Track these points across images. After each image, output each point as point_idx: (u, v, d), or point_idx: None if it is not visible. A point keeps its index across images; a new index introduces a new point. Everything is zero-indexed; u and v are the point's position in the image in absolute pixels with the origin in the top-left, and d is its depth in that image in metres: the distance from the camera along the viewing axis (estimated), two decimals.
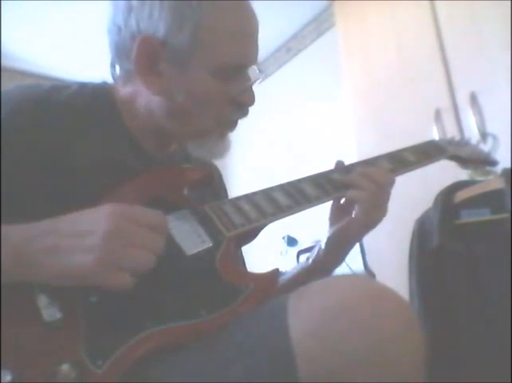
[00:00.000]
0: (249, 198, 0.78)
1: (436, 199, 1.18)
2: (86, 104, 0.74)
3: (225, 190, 0.98)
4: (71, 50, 2.74)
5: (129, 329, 0.56)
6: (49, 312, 0.55)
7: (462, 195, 1.15)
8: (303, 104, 2.75)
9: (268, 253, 2.46)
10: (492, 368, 0.99)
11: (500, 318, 1.01)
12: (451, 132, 1.58)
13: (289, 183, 0.83)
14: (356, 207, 0.84)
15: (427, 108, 1.76)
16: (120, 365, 0.54)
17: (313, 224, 1.54)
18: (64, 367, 0.51)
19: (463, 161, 1.08)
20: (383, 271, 1.81)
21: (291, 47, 2.89)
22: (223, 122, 0.77)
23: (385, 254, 1.83)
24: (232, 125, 0.79)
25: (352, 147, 2.07)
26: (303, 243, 2.47)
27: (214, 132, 0.76)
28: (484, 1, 1.64)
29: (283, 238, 2.57)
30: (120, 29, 0.72)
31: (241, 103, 0.76)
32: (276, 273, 0.68)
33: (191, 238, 0.69)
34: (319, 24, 2.69)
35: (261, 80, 0.78)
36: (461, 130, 1.67)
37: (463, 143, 1.13)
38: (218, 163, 0.93)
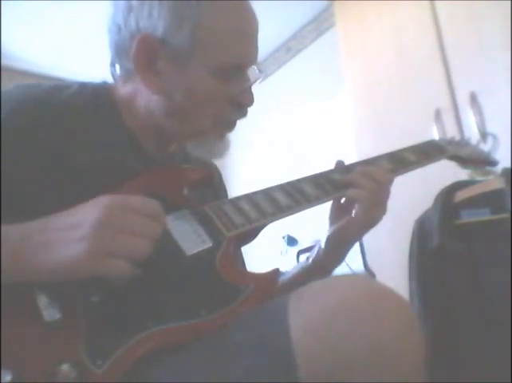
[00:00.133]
0: (249, 198, 0.78)
1: (436, 199, 1.18)
2: (86, 104, 0.74)
3: (225, 190, 0.98)
4: (71, 50, 2.74)
5: (129, 329, 0.56)
6: (49, 312, 0.55)
7: (462, 195, 1.15)
8: (303, 104, 2.75)
9: (268, 253, 2.46)
10: (492, 368, 0.99)
11: (500, 318, 1.01)
12: (451, 132, 1.58)
13: (289, 183, 0.83)
14: (356, 206, 0.85)
15: (427, 108, 1.76)
16: (120, 365, 0.54)
17: (313, 224, 1.54)
18: (64, 367, 0.51)
19: (463, 161, 1.08)
20: (383, 271, 1.81)
21: (291, 47, 2.89)
22: (222, 122, 0.77)
23: (385, 254, 1.83)
24: (231, 125, 0.79)
25: (352, 147, 2.07)
26: (303, 243, 2.47)
27: (212, 131, 0.76)
28: (484, 1, 1.64)
29: (283, 238, 2.58)
30: (119, 28, 0.72)
31: (240, 103, 0.76)
32: (276, 273, 0.68)
33: (191, 239, 0.69)
34: (319, 24, 2.69)
35: (261, 80, 0.78)
36: (461, 130, 1.67)
37: (463, 143, 1.13)
38: (218, 163, 0.93)
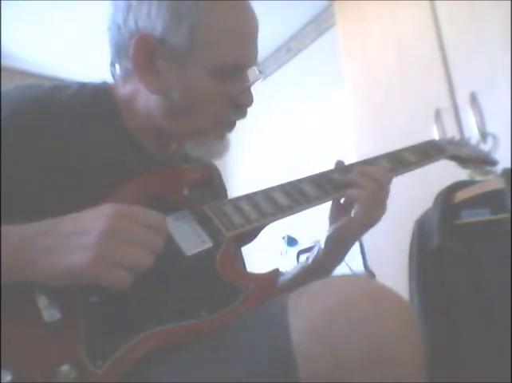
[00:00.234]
0: (249, 198, 0.78)
1: (436, 199, 1.18)
2: (86, 104, 0.74)
3: (225, 190, 0.98)
4: (71, 50, 2.74)
5: (129, 330, 0.56)
6: (49, 312, 0.55)
7: (462, 195, 1.15)
8: (303, 104, 2.75)
9: (268, 253, 2.46)
10: (492, 368, 0.99)
11: (500, 318, 1.01)
12: (451, 132, 1.58)
13: (289, 183, 0.83)
14: (356, 205, 0.85)
15: (427, 108, 1.76)
16: (120, 365, 0.54)
17: (313, 224, 1.54)
18: (64, 367, 0.51)
19: (463, 161, 1.08)
20: (383, 271, 1.81)
21: (291, 47, 2.89)
22: (221, 122, 0.77)
23: (385, 254, 1.83)
24: (230, 126, 0.79)
25: (352, 147, 2.07)
26: (303, 243, 2.47)
27: (212, 132, 0.76)
28: (484, 1, 1.64)
29: (283, 238, 2.58)
30: (119, 27, 0.72)
31: (239, 104, 0.76)
32: (276, 273, 0.68)
33: (191, 239, 0.69)
34: (319, 24, 2.69)
35: (262, 81, 0.78)
36: (461, 130, 1.67)
37: (463, 143, 1.13)
38: (218, 163, 0.93)
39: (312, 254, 0.90)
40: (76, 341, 0.54)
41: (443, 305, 1.08)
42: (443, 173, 1.21)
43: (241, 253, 0.88)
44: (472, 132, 1.55)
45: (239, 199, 0.77)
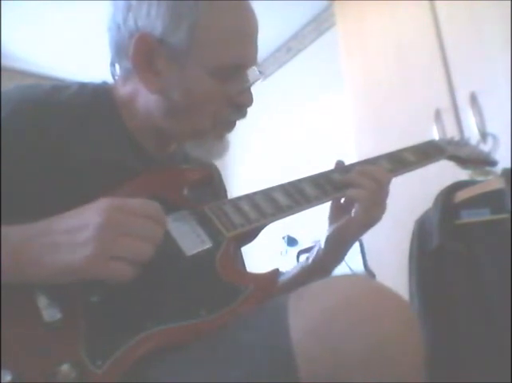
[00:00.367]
0: (249, 198, 0.78)
1: (436, 199, 1.18)
2: (86, 104, 0.74)
3: (224, 190, 0.98)
4: (71, 50, 2.74)
5: (129, 330, 0.56)
6: (49, 312, 0.55)
7: (462, 195, 1.15)
8: (303, 104, 2.75)
9: (268, 253, 2.46)
10: (492, 368, 0.99)
11: (500, 318, 1.01)
12: (451, 132, 1.58)
13: (289, 183, 0.83)
14: (356, 205, 0.85)
15: (427, 108, 1.76)
16: (120, 365, 0.54)
17: (313, 224, 1.54)
18: (64, 367, 0.51)
19: (463, 161, 1.08)
20: (383, 271, 1.81)
21: (291, 47, 2.89)
22: (221, 122, 0.76)
23: (385, 254, 1.83)
24: (230, 126, 0.79)
25: (352, 147, 2.07)
26: (303, 243, 2.47)
27: (211, 132, 0.76)
28: (484, 1, 1.64)
29: (283, 238, 2.58)
30: (119, 27, 0.72)
31: (239, 104, 0.76)
32: (276, 273, 0.68)
33: (191, 239, 0.69)
34: (319, 24, 2.69)
35: (262, 81, 0.78)
36: (461, 130, 1.67)
37: (463, 143, 1.13)
38: (218, 163, 0.93)
39: (312, 254, 0.90)
40: (76, 341, 0.54)
41: (443, 305, 1.08)
42: (443, 173, 1.21)
43: (241, 253, 0.88)
44: (472, 132, 1.55)
45: (239, 199, 0.77)
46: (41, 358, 0.52)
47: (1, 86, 0.73)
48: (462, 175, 1.17)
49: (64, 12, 2.43)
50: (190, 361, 0.57)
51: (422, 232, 1.19)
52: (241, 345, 0.55)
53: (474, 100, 1.63)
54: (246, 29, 0.74)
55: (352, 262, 1.84)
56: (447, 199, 1.16)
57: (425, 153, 0.99)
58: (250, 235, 0.78)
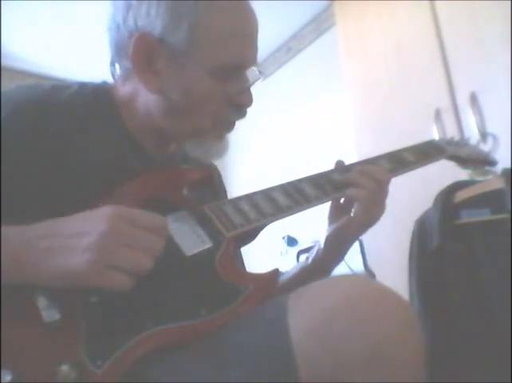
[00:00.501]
0: (248, 198, 0.78)
1: (436, 199, 1.18)
2: (86, 104, 0.74)
3: (224, 190, 0.98)
4: (71, 50, 2.74)
5: (129, 330, 0.56)
6: (49, 313, 0.55)
7: (462, 195, 1.15)
8: (303, 104, 2.75)
9: (268, 253, 2.46)
10: (492, 368, 0.99)
11: (500, 318, 1.01)
12: (451, 132, 1.58)
13: (289, 183, 0.83)
14: (356, 205, 0.85)
15: (427, 108, 1.76)
16: (120, 365, 0.54)
17: (313, 224, 1.54)
18: (64, 367, 0.51)
19: (462, 161, 1.08)
20: (383, 271, 1.81)
21: (291, 47, 2.89)
22: (220, 122, 0.76)
23: (385, 254, 1.83)
24: (229, 126, 0.79)
25: (352, 147, 2.07)
26: (303, 243, 2.47)
27: (211, 131, 0.76)
28: (484, 1, 1.64)
29: (283, 238, 2.58)
30: (119, 27, 0.72)
31: (238, 104, 0.76)
32: (276, 273, 0.68)
33: (191, 239, 0.69)
34: (319, 24, 2.69)
35: (261, 81, 0.78)
36: (461, 130, 1.67)
37: (463, 143, 1.13)
38: (218, 163, 0.93)
39: (311, 254, 0.90)
40: (76, 341, 0.54)
41: (443, 305, 1.08)
42: (443, 173, 1.21)
43: (240, 253, 0.88)
44: (472, 132, 1.55)
45: (239, 199, 0.77)
46: (41, 358, 0.52)
47: (2, 86, 0.73)
48: (462, 175, 1.17)
49: (64, 12, 2.43)
50: (190, 361, 0.57)
51: (422, 232, 1.19)
52: (241, 345, 0.55)
53: (474, 100, 1.63)
54: (245, 29, 0.74)
55: (352, 262, 1.84)
56: (446, 199, 1.16)
57: (425, 153, 0.99)
58: (250, 235, 0.78)
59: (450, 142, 1.10)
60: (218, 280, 0.66)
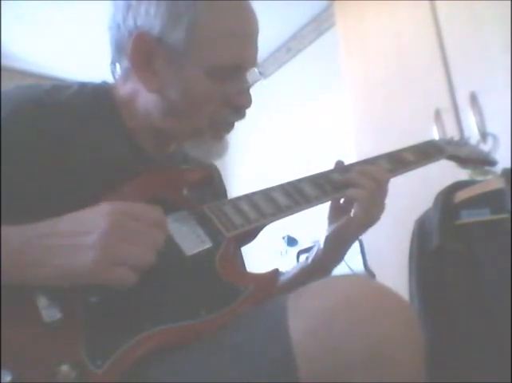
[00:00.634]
0: (248, 198, 0.78)
1: (436, 199, 1.18)
2: (86, 104, 0.74)
3: (224, 190, 0.98)
4: (71, 50, 2.74)
5: (129, 330, 0.56)
6: (49, 313, 0.55)
7: (462, 195, 1.15)
8: (303, 104, 2.75)
9: (268, 253, 2.46)
10: (492, 368, 0.99)
11: (500, 318, 1.01)
12: (451, 132, 1.58)
13: (289, 183, 0.83)
14: (355, 205, 0.85)
15: (427, 108, 1.76)
16: (120, 365, 0.54)
17: (313, 224, 1.54)
18: (64, 367, 0.51)
19: (462, 161, 1.08)
20: (383, 271, 1.81)
21: (291, 47, 2.89)
22: (218, 122, 0.76)
23: (385, 254, 1.83)
24: (228, 127, 0.78)
25: (352, 147, 2.07)
26: (303, 243, 2.47)
27: (208, 131, 0.76)
28: (484, 1, 1.64)
29: (283, 238, 2.58)
30: (118, 26, 0.72)
31: (237, 105, 0.76)
32: (276, 273, 0.68)
33: (191, 239, 0.69)
34: (319, 24, 2.69)
35: (261, 81, 0.78)
36: (461, 130, 1.67)
37: (462, 143, 1.13)
38: (217, 163, 0.93)
39: (311, 254, 0.90)
40: (76, 341, 0.54)
41: (443, 305, 1.08)
42: (443, 173, 1.21)
43: (240, 253, 0.88)
44: (472, 132, 1.55)
45: (239, 199, 0.77)
46: (41, 358, 0.52)
47: (2, 86, 0.73)
48: (462, 175, 1.17)
49: (64, 12, 2.43)
50: (190, 361, 0.57)
51: (422, 232, 1.19)
52: (241, 345, 0.55)
53: (474, 100, 1.63)
54: (245, 30, 0.73)
55: (352, 262, 1.84)
56: (447, 199, 1.16)
57: (425, 153, 0.99)
58: (250, 235, 0.78)
59: (450, 142, 1.10)
60: (217, 280, 0.66)
